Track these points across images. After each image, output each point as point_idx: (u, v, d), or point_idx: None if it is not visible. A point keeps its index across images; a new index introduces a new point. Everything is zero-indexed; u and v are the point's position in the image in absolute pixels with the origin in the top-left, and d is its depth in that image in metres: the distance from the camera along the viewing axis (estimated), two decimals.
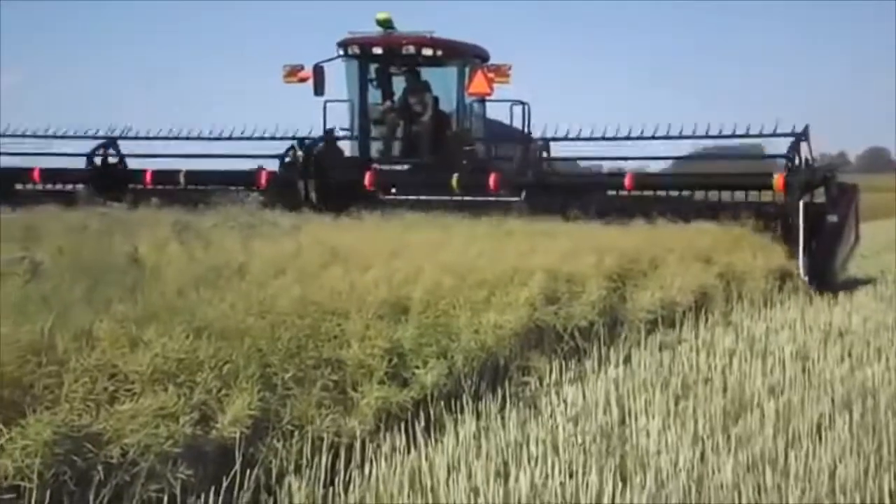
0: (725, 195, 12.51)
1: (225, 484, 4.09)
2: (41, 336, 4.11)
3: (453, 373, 5.89)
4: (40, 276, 5.74)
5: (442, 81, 14.45)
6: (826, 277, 11.55)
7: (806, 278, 11.28)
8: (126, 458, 3.79)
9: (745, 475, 4.60)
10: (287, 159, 13.55)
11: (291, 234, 8.27)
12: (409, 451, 4.94)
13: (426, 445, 5.03)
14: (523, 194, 12.62)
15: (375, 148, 14.47)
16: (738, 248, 10.76)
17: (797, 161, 11.87)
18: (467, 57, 14.33)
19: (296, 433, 4.62)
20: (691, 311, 8.79)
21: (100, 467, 3.72)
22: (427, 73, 14.55)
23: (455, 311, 6.40)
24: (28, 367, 3.86)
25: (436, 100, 14.40)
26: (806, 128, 11.96)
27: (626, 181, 12.45)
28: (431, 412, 5.44)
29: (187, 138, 14.42)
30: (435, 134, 14.16)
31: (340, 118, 14.52)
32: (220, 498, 4.03)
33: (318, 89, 13.82)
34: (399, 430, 5.11)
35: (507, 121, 14.69)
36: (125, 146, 14.94)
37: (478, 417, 5.58)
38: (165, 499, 3.87)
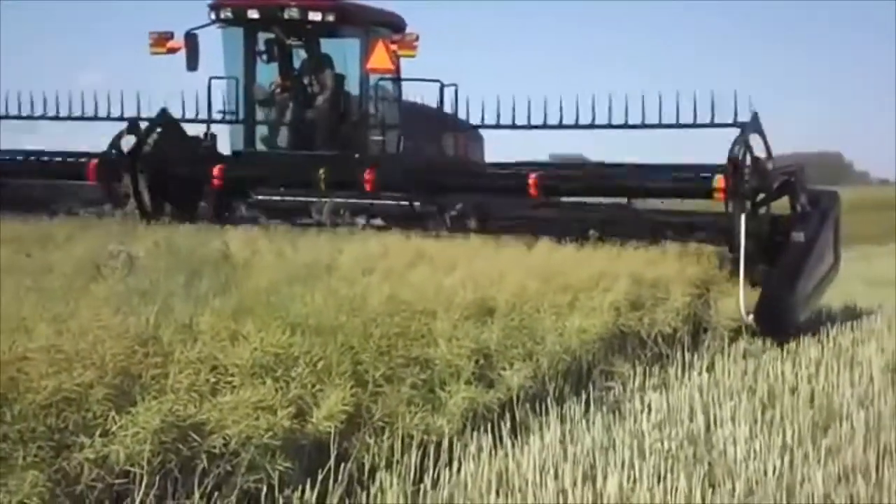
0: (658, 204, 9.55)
1: (320, 477, 4.18)
2: (146, 328, 4.24)
3: (538, 375, 5.94)
4: (137, 270, 5.92)
5: (343, 55, 11.70)
6: (782, 318, 8.47)
7: (750, 318, 8.24)
8: (228, 449, 3.90)
9: (837, 486, 4.57)
10: (117, 148, 10.81)
11: (377, 234, 8.38)
12: (495, 452, 4.98)
13: (512, 446, 5.07)
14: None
15: (260, 137, 11.74)
16: None
17: (742, 158, 8.71)
18: (370, 25, 11.33)
19: (386, 430, 4.71)
20: None
21: (203, 456, 3.84)
22: (328, 46, 11.80)
23: (539, 315, 6.45)
24: (136, 358, 4.00)
25: (338, 78, 11.61)
26: (755, 116, 9.01)
27: (530, 184, 9.28)
28: (517, 413, 5.49)
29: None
30: (333, 120, 11.46)
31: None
32: (315, 491, 4.12)
33: (192, 63, 11.08)
34: (485, 430, 5.16)
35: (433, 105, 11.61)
36: None
37: (562, 420, 5.61)
38: (264, 490, 3.97)
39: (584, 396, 6.07)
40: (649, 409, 6.03)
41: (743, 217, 8.54)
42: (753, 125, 8.96)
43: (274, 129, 11.64)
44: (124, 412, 3.72)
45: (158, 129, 10.75)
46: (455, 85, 11.11)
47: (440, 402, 5.13)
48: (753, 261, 8.64)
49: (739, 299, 8.24)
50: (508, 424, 5.30)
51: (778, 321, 8.41)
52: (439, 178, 10.27)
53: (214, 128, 11.31)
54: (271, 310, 4.95)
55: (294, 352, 4.57)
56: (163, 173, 10.43)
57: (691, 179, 9.06)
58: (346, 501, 4.21)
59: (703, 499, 4.38)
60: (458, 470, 4.70)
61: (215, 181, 10.42)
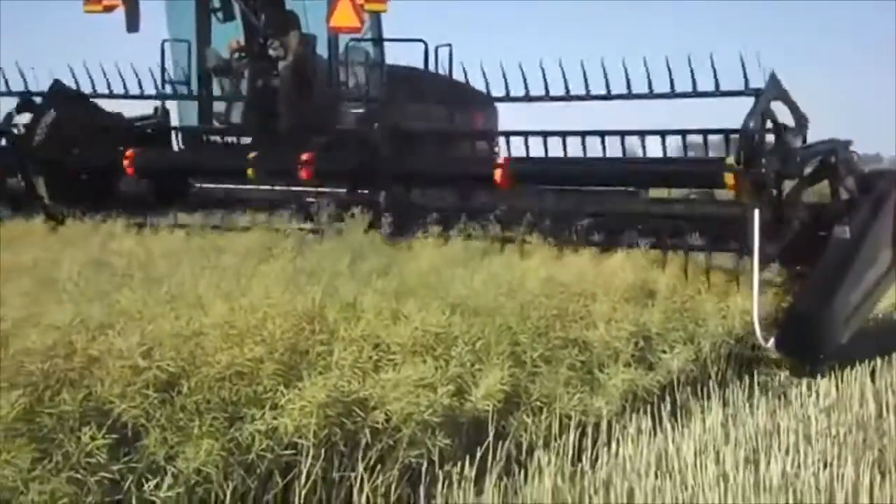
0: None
1: (479, 454, 4.26)
2: (313, 306, 4.41)
3: (699, 358, 5.88)
4: (305, 251, 6.15)
5: (311, 13, 9.83)
6: (815, 339, 6.58)
7: (770, 343, 6.41)
8: (389, 424, 4.02)
9: None
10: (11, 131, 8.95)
11: None
12: (655, 434, 4.96)
13: (672, 429, 5.03)
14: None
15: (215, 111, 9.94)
16: None
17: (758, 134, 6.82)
18: None
19: (544, 410, 4.75)
20: None
21: (367, 431, 3.97)
22: (296, 3, 9.95)
23: (701, 297, 6.36)
24: (303, 335, 4.18)
25: (307, 40, 9.72)
26: (773, 78, 6.87)
27: (497, 172, 7.49)
28: (677, 397, 5.45)
29: None
30: (298, 89, 9.49)
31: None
32: (475, 468, 4.20)
33: (132, 23, 9.34)
34: (645, 412, 5.14)
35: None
36: None
37: (724, 404, 5.54)
38: (424, 464, 4.08)
39: (747, 381, 5.97)
40: (817, 395, 5.88)
41: (757, 212, 6.52)
42: (774, 90, 6.92)
43: (228, 101, 9.88)
44: (292, 387, 3.89)
45: (56, 107, 8.80)
46: (449, 45, 9.24)
47: (599, 383, 5.14)
48: (791, 264, 6.95)
49: (753, 317, 6.37)
50: (668, 407, 5.26)
51: (809, 343, 6.55)
52: (382, 163, 7.98)
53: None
54: (432, 291, 5.07)
55: (454, 331, 4.67)
56: (64, 162, 8.74)
57: (702, 162, 7.48)
58: (505, 479, 4.27)
59: (872, 485, 4.25)
60: (617, 451, 4.70)
61: (127, 169, 8.60)
